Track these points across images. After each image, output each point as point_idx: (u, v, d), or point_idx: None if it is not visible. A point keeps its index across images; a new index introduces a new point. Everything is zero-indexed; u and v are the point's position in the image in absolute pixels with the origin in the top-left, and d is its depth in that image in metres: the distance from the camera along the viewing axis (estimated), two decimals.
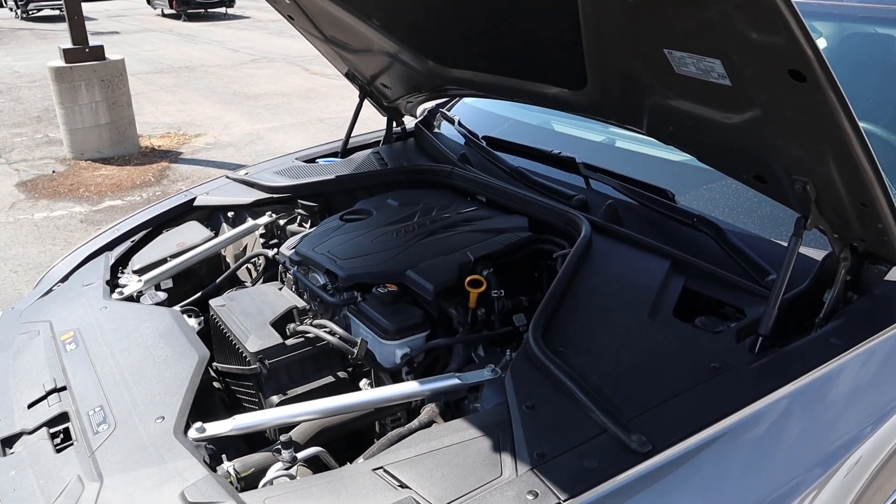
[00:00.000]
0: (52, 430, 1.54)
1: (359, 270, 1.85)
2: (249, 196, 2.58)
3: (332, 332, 1.71)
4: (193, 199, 2.61)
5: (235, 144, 8.15)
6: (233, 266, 2.30)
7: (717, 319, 1.58)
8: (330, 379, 1.73)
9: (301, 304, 1.88)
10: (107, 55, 7.40)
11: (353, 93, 2.90)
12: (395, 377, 1.72)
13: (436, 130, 3.03)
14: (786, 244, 1.47)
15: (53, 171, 6.85)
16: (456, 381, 1.49)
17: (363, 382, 1.81)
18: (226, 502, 1.23)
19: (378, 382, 1.74)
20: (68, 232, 5.35)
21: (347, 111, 2.94)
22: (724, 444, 1.22)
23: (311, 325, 1.77)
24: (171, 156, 7.58)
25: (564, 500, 1.11)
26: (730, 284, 1.65)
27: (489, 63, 2.08)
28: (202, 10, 23.02)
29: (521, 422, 1.28)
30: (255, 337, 1.72)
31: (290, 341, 1.74)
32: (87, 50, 7.10)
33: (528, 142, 2.54)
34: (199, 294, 2.23)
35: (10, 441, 1.56)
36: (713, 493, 1.19)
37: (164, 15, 23.31)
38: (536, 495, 1.12)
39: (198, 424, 1.43)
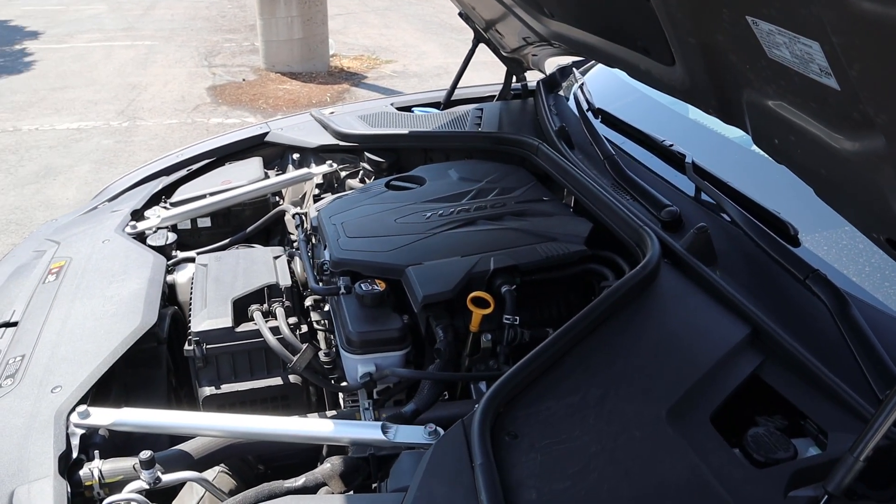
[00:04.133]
0: None
1: (353, 256, 1.50)
2: (321, 139, 2.32)
3: (276, 331, 1.40)
4: (266, 134, 2.40)
5: (421, 76, 7.99)
6: (258, 222, 2.06)
7: (784, 438, 1.05)
8: (277, 381, 1.43)
9: (285, 281, 1.58)
10: None
11: None
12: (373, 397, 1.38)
13: (560, 93, 2.55)
14: None
15: (244, 80, 7.14)
16: (378, 434, 1.12)
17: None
18: None
19: (334, 402, 1.42)
20: None
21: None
22: None
23: (266, 312, 1.47)
24: (356, 79, 7.59)
25: None
26: (824, 387, 1.10)
27: (583, 17, 1.58)
28: None
29: None
30: (205, 314, 1.45)
31: (243, 327, 1.45)
32: None
33: (648, 123, 2.00)
34: (225, 241, 2.02)
35: None
36: None
37: None
38: None
39: (82, 408, 1.21)
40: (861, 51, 0.65)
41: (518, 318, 1.38)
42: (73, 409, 1.22)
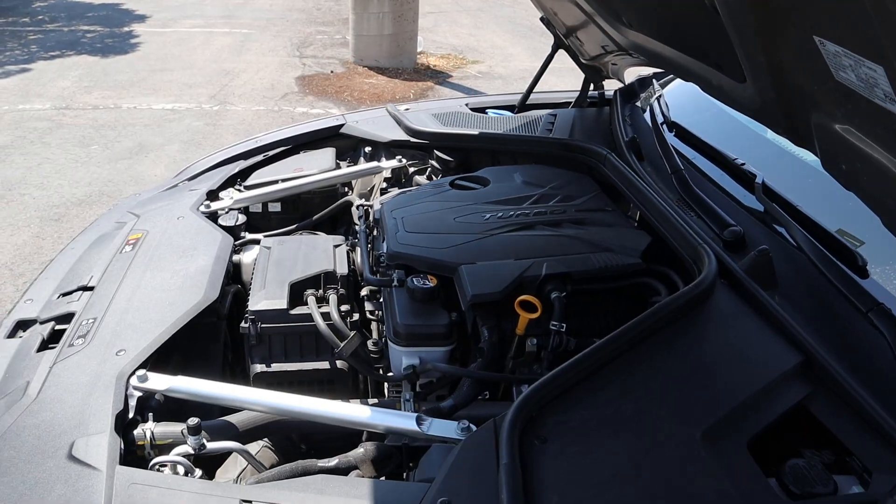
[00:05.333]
0: (56, 328, 1.52)
1: (408, 250, 1.53)
2: (393, 134, 2.36)
3: (327, 316, 1.44)
4: (342, 126, 2.47)
5: (506, 78, 7.99)
6: (324, 211, 2.12)
7: (824, 473, 1.02)
8: (325, 365, 1.47)
9: (342, 269, 1.62)
10: None
11: None
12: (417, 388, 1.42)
13: (637, 104, 2.51)
14: None
15: (332, 72, 7.32)
16: (413, 425, 1.14)
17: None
18: (95, 471, 1.09)
19: (378, 391, 1.45)
20: None
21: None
22: None
23: (321, 297, 1.51)
24: (441, 77, 7.67)
25: None
26: (874, 425, 1.05)
27: (659, 29, 1.57)
28: None
29: None
30: (263, 294, 1.51)
31: (297, 310, 1.50)
32: None
33: (724, 140, 1.95)
34: (292, 227, 2.09)
35: (25, 324, 1.58)
36: None
37: None
38: None
39: (141, 372, 1.29)
40: None
41: (565, 325, 1.38)
42: (133, 373, 1.30)
